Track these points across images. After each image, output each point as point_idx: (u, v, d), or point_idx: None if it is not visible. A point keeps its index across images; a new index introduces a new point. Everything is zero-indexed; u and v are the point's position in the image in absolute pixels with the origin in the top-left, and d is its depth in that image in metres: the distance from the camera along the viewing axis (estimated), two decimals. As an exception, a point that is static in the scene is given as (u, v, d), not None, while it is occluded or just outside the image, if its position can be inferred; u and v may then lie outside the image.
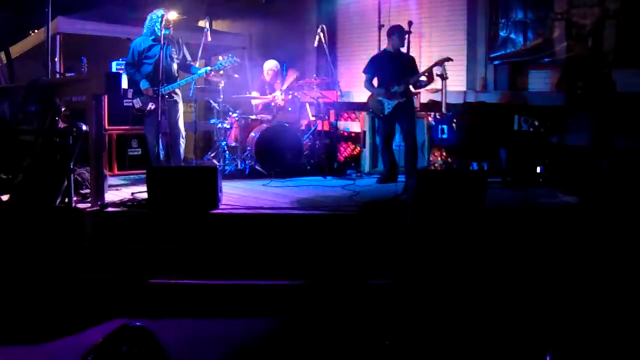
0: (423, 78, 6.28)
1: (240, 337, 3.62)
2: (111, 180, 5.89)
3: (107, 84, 4.68)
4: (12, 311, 3.73)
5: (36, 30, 9.21)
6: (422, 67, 6.70)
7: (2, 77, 7.93)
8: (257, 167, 6.73)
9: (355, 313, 3.88)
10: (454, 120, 7.00)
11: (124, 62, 6.27)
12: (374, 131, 7.15)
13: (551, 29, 6.75)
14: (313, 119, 7.57)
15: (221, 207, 4.78)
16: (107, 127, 6.51)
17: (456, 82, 7.52)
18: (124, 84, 6.28)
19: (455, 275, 4.12)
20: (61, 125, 5.26)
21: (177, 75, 6.12)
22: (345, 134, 8.48)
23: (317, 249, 4.36)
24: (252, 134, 6.77)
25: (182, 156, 6.21)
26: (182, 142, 6.13)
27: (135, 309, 3.88)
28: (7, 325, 3.59)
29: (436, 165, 7.46)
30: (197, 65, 6.48)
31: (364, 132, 7.32)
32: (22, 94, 5.20)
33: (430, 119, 7.17)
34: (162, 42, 5.73)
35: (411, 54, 6.71)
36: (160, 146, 5.75)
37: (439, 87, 6.69)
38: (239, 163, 6.81)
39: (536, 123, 6.33)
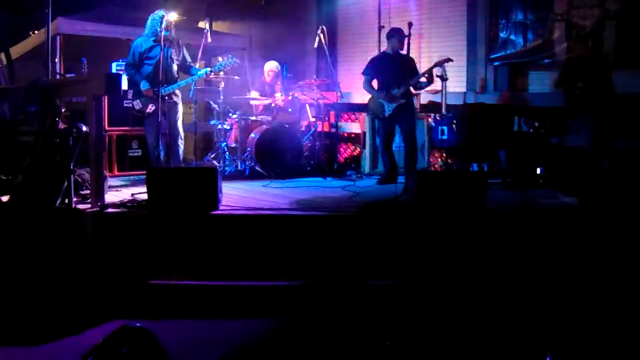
0: (423, 79, 6.28)
1: (241, 337, 3.62)
2: (111, 181, 5.89)
3: (107, 84, 4.68)
4: (13, 312, 3.73)
5: (36, 31, 9.21)
6: (422, 67, 6.70)
7: (2, 78, 7.93)
8: (257, 168, 6.73)
9: (355, 314, 3.88)
10: (454, 121, 7.00)
11: (124, 63, 6.27)
12: (374, 132, 7.15)
13: (551, 30, 6.76)
14: (313, 120, 7.57)
15: (221, 208, 4.78)
16: (107, 128, 6.52)
17: (456, 83, 7.53)
18: (124, 85, 6.28)
19: (456, 276, 4.12)
20: (61, 126, 5.26)
21: (177, 76, 6.12)
22: (345, 135, 8.48)
23: (317, 249, 4.36)
24: (252, 135, 6.77)
25: (181, 157, 6.21)
26: (181, 143, 6.13)
27: (135, 309, 3.88)
28: (7, 326, 3.59)
29: (436, 166, 7.47)
30: (197, 66, 6.48)
31: (364, 133, 7.33)
32: (22, 94, 5.19)
33: (430, 120, 7.17)
34: (162, 43, 5.74)
35: (411, 54, 6.73)
36: (161, 147, 5.75)
37: (439, 88, 6.69)
38: (239, 164, 6.81)
39: (536, 124, 6.33)
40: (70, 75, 7.42)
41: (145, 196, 4.79)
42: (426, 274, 4.16)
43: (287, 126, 7.02)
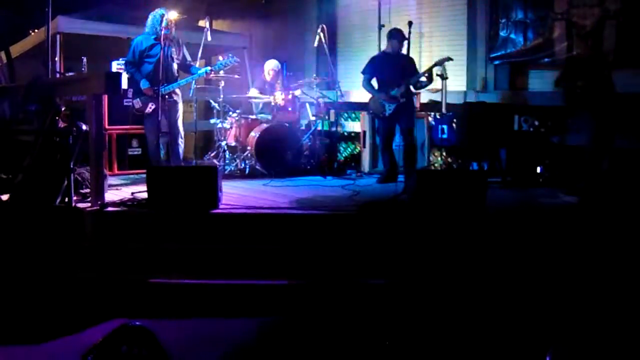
0: (423, 78, 6.29)
1: (240, 336, 3.62)
2: (111, 180, 5.89)
3: (107, 83, 4.67)
4: (12, 311, 3.73)
5: (36, 30, 9.19)
6: (422, 67, 6.70)
7: (2, 77, 7.93)
8: (257, 166, 6.73)
9: (355, 313, 3.88)
10: (454, 120, 7.00)
11: (124, 61, 6.26)
12: (374, 131, 7.15)
13: (551, 29, 6.75)
14: (313, 118, 7.58)
15: (221, 206, 4.78)
16: (107, 126, 6.52)
17: (456, 82, 7.52)
18: (124, 83, 6.27)
19: (456, 275, 4.12)
20: (61, 124, 5.26)
21: (177, 75, 6.12)
22: (346, 134, 8.49)
23: (317, 248, 4.36)
24: (252, 133, 6.77)
25: (181, 156, 6.21)
26: (181, 142, 6.13)
27: (135, 308, 3.88)
28: (7, 325, 3.59)
29: (436, 165, 7.46)
30: (197, 65, 6.47)
31: (364, 132, 7.33)
32: (22, 93, 5.19)
33: (430, 119, 7.17)
34: (162, 42, 5.73)
35: (411, 54, 6.71)
36: (161, 146, 5.75)
37: (439, 87, 6.69)
38: (239, 163, 6.81)
39: (536, 123, 6.33)
40: (70, 74, 7.42)
41: (145, 195, 4.79)
42: (426, 274, 4.16)
43: (287, 125, 7.02)
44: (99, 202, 4.76)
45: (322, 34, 7.24)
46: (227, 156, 6.93)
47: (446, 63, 6.22)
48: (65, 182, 4.65)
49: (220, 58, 6.48)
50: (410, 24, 6.79)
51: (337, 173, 7.00)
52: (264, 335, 3.64)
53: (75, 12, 7.92)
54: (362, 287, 4.09)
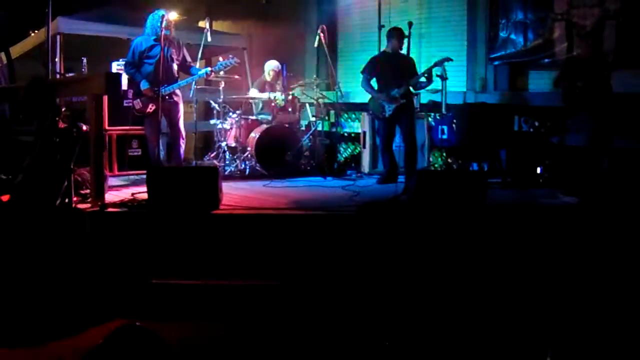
0: (423, 79, 6.29)
1: (241, 337, 3.62)
2: (111, 181, 5.89)
3: (107, 84, 4.68)
4: (13, 312, 3.73)
5: (36, 31, 9.21)
6: (422, 67, 6.70)
7: (2, 78, 7.93)
8: (257, 167, 6.73)
9: (356, 313, 3.87)
10: (454, 120, 6.99)
11: (124, 62, 6.26)
12: (374, 132, 7.15)
13: (551, 30, 6.75)
14: (313, 119, 7.58)
15: (221, 207, 4.78)
16: (107, 127, 6.50)
17: (456, 82, 7.52)
18: (124, 84, 6.27)
19: (456, 276, 4.12)
20: (61, 125, 5.25)
21: (177, 76, 6.12)
22: (346, 134, 8.48)
23: (317, 249, 4.36)
24: (252, 134, 6.78)
25: (182, 157, 6.21)
26: (183, 142, 6.13)
27: (135, 309, 3.88)
28: (8, 326, 3.59)
29: (436, 165, 7.46)
30: (197, 65, 6.47)
31: (364, 133, 7.33)
32: (22, 94, 5.20)
33: (430, 119, 7.17)
34: (162, 42, 5.73)
35: (411, 54, 6.72)
36: (161, 147, 5.75)
37: (439, 87, 6.69)
38: (239, 163, 6.81)
39: (536, 123, 6.33)
40: (70, 74, 7.41)
41: (145, 196, 4.79)
42: (426, 274, 4.16)
43: (287, 125, 7.02)
44: (99, 203, 4.76)
45: (322, 35, 7.24)
46: (227, 157, 6.93)
47: (446, 63, 6.23)
48: (66, 183, 4.65)
49: (221, 59, 6.47)
50: (410, 24, 6.79)
51: (337, 174, 6.99)
52: (264, 335, 3.64)
53: (75, 12, 7.93)
54: (362, 287, 4.09)
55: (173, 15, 5.93)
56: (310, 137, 7.26)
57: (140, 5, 8.12)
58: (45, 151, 4.76)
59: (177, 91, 6.06)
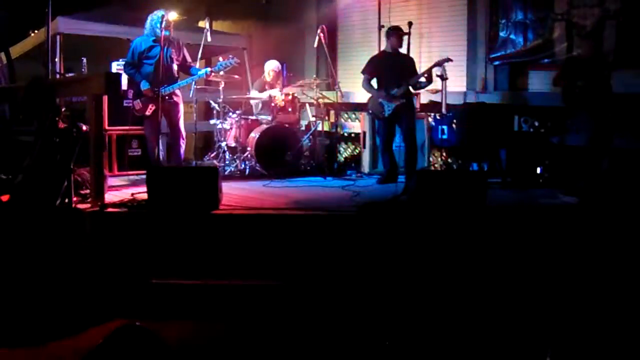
0: (423, 79, 6.29)
1: (241, 337, 3.62)
2: (111, 181, 5.89)
3: (107, 84, 4.68)
4: (14, 312, 3.73)
5: (36, 31, 9.21)
6: (422, 67, 6.69)
7: (2, 78, 7.93)
8: (257, 167, 6.73)
9: (356, 313, 3.87)
10: (454, 120, 6.99)
11: (124, 62, 6.26)
12: (374, 132, 7.14)
13: (551, 30, 6.75)
14: (313, 119, 7.58)
15: (221, 207, 4.78)
16: (107, 127, 6.50)
17: (456, 82, 7.52)
18: (124, 84, 6.27)
19: (456, 276, 4.12)
20: (61, 125, 5.25)
21: (177, 76, 6.11)
22: (346, 134, 8.48)
23: (317, 249, 4.36)
24: (252, 134, 6.78)
25: (182, 157, 6.21)
26: (183, 143, 6.13)
27: (135, 309, 3.88)
28: (8, 326, 3.59)
29: (436, 165, 7.46)
30: (197, 65, 6.46)
31: (364, 133, 7.32)
32: (22, 94, 5.19)
33: (430, 119, 7.17)
34: (162, 43, 5.73)
35: (411, 54, 6.71)
36: (160, 147, 5.74)
37: (439, 87, 6.69)
38: (239, 163, 6.81)
39: (536, 123, 6.34)
40: (70, 74, 7.41)
41: (145, 196, 4.79)
42: (426, 274, 4.16)
43: (287, 126, 7.02)
44: (99, 203, 4.76)
45: (322, 35, 7.24)
46: (227, 157, 6.93)
47: (446, 64, 6.22)
48: (66, 183, 4.65)
49: (221, 59, 6.46)
50: (410, 24, 6.79)
51: (337, 174, 6.99)
52: (264, 335, 3.64)
53: (75, 12, 7.92)
54: (362, 287, 4.09)
55: (173, 16, 5.93)
56: (310, 137, 7.26)
57: (140, 5, 8.11)
58: (45, 151, 4.76)
59: (177, 91, 6.06)
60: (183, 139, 6.13)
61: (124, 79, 6.16)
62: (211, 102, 7.25)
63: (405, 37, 6.53)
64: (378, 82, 6.44)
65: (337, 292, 4.06)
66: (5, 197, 4.68)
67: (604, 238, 4.29)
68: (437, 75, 6.36)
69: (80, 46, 7.80)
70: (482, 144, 6.65)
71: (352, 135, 8.42)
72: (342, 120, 8.28)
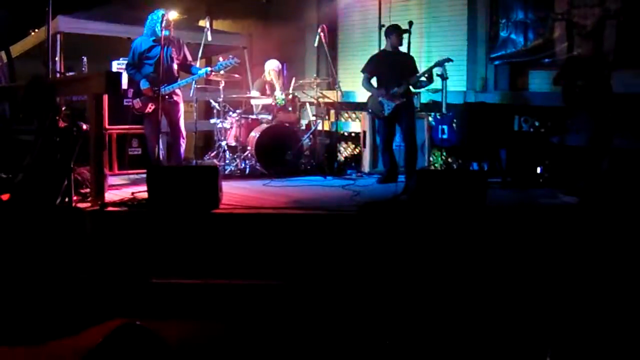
0: (423, 78, 6.29)
1: (241, 336, 3.62)
2: (111, 180, 5.89)
3: (107, 83, 4.68)
4: (13, 311, 3.73)
5: (36, 30, 9.20)
6: (422, 67, 6.69)
7: (2, 77, 7.93)
8: (257, 166, 6.73)
9: (356, 312, 3.88)
10: (454, 120, 7.00)
11: (124, 61, 6.26)
12: (374, 131, 7.14)
13: (552, 30, 6.75)
14: (313, 118, 7.58)
15: (222, 206, 4.78)
16: (107, 126, 6.50)
17: (456, 82, 7.52)
18: (124, 83, 6.27)
19: (456, 276, 4.12)
20: (61, 124, 5.25)
21: (177, 75, 6.12)
22: (346, 134, 8.48)
23: (317, 248, 4.36)
24: (253, 133, 6.78)
25: (182, 156, 6.21)
26: (183, 142, 6.13)
27: (135, 308, 3.88)
28: (7, 325, 3.59)
29: (436, 165, 7.46)
30: (197, 65, 6.47)
31: (364, 132, 7.32)
32: (22, 93, 5.19)
33: (430, 119, 7.17)
34: (162, 42, 5.73)
35: (411, 53, 6.71)
36: (161, 146, 5.74)
37: (439, 87, 6.69)
38: (239, 163, 6.82)
39: (536, 123, 6.33)
40: (70, 73, 7.41)
41: (145, 195, 4.79)
42: (426, 274, 4.16)
43: (287, 125, 7.02)
44: (99, 202, 4.76)
45: (322, 34, 7.24)
46: (227, 156, 6.93)
47: (446, 63, 6.22)
48: (66, 182, 4.65)
49: (221, 59, 6.46)
50: (410, 23, 6.79)
51: (337, 173, 6.99)
52: (264, 335, 3.64)
53: (75, 11, 7.92)
54: (362, 287, 4.09)
55: (173, 15, 5.92)
56: (310, 136, 7.26)
57: (140, 4, 8.11)
58: (45, 150, 4.76)
59: (177, 91, 6.06)
60: (183, 138, 6.13)
61: (124, 78, 6.17)
62: (211, 101, 7.25)
63: (405, 36, 6.52)
64: (378, 81, 6.44)
65: (337, 292, 4.06)
66: (5, 196, 4.68)
67: (604, 238, 4.29)
68: (438, 75, 6.36)
69: (80, 45, 7.80)
70: (482, 143, 6.65)
71: (352, 134, 8.42)
72: (342, 119, 8.28)
